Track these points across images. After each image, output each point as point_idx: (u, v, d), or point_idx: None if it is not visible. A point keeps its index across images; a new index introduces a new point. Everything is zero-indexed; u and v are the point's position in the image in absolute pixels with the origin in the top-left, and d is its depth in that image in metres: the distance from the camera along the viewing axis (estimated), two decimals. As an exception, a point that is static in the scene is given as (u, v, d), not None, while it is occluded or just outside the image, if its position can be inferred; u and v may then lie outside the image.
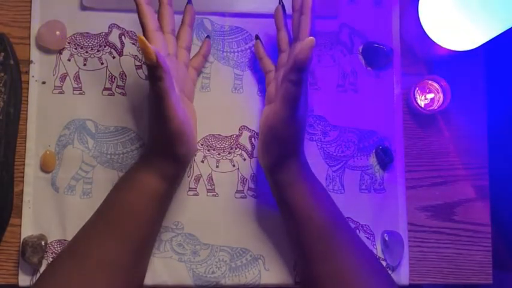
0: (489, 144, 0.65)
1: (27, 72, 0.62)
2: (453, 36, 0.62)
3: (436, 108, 0.63)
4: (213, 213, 0.61)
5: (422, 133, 0.65)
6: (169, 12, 0.58)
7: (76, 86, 0.62)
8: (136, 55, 0.63)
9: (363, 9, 0.65)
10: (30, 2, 0.63)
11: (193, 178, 0.62)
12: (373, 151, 0.64)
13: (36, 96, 0.62)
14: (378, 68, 0.65)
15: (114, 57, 0.63)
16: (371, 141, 0.64)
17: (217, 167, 0.62)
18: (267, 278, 0.61)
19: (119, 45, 0.63)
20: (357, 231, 0.62)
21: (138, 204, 0.54)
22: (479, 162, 0.65)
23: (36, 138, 0.61)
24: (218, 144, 0.62)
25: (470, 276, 0.64)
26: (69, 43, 0.62)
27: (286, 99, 0.51)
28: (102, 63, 0.63)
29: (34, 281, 0.59)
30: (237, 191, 0.62)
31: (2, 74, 0.60)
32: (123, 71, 0.63)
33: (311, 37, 0.46)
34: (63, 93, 0.62)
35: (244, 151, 0.63)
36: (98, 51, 0.63)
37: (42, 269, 0.59)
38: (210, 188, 0.62)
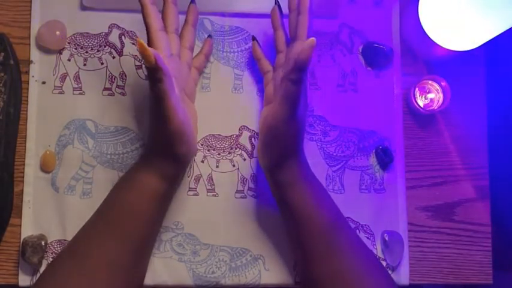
0: (489, 144, 0.65)
1: (27, 72, 0.62)
2: (453, 36, 0.62)
3: (436, 108, 0.63)
4: (213, 213, 0.61)
5: (422, 133, 0.65)
6: (174, 12, 0.58)
7: (76, 86, 0.62)
8: (136, 55, 0.63)
9: (363, 9, 0.65)
10: (30, 2, 0.63)
11: (193, 178, 0.62)
12: (373, 151, 0.64)
13: (36, 96, 0.62)
14: (378, 68, 0.65)
15: (114, 57, 0.63)
16: (371, 141, 0.64)
17: (217, 167, 0.62)
18: (267, 278, 0.61)
19: (118, 45, 0.63)
20: (357, 231, 0.62)
21: (138, 204, 0.54)
22: (479, 162, 0.65)
23: (36, 138, 0.61)
24: (218, 144, 0.62)
25: (470, 276, 0.64)
26: (69, 43, 0.62)
27: (286, 98, 0.51)
28: (102, 63, 0.63)
29: (34, 281, 0.59)
30: (237, 191, 0.62)
31: (2, 74, 0.60)
32: (123, 71, 0.63)
33: (312, 37, 0.46)
34: (63, 93, 0.62)
35: (244, 151, 0.63)
36: (98, 51, 0.63)
37: (42, 269, 0.59)
38: (210, 188, 0.62)
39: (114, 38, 0.63)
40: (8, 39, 0.62)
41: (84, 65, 0.63)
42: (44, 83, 0.62)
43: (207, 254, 0.61)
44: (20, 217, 0.60)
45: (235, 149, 0.63)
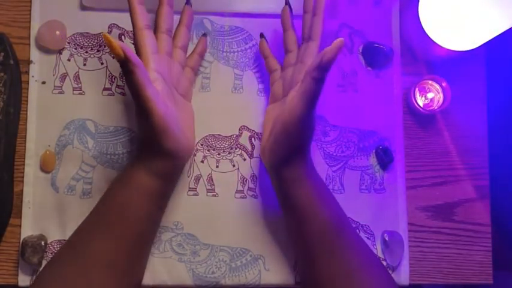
0: (489, 144, 0.65)
1: (27, 72, 0.62)
2: (453, 36, 0.62)
3: (436, 108, 0.63)
4: (213, 213, 0.61)
5: (422, 133, 0.65)
6: (167, 12, 0.58)
7: (76, 86, 0.62)
8: (136, 55, 0.63)
9: (363, 9, 0.65)
10: (30, 2, 0.63)
11: (193, 178, 0.62)
12: (373, 151, 0.64)
13: (36, 96, 0.62)
14: (378, 67, 0.65)
15: (114, 57, 0.63)
16: (371, 141, 0.64)
17: (217, 167, 0.62)
18: (267, 278, 0.61)
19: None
20: (357, 231, 0.62)
21: (131, 201, 0.54)
22: (479, 162, 0.65)
23: (36, 138, 0.61)
24: (218, 144, 0.62)
25: (470, 276, 0.64)
26: (69, 43, 0.62)
27: (307, 96, 0.51)
28: (102, 63, 0.63)
29: (34, 281, 0.59)
30: (237, 191, 0.62)
31: (2, 74, 0.60)
32: (123, 71, 0.63)
33: (341, 38, 0.47)
34: (63, 93, 0.62)
35: (244, 151, 0.63)
36: (98, 51, 0.63)
37: (42, 269, 0.59)
38: (210, 188, 0.62)
39: (114, 38, 0.63)
40: (8, 39, 0.62)
41: (84, 65, 0.63)
42: (43, 83, 0.62)
43: (207, 254, 0.61)
44: (20, 217, 0.60)
45: (235, 149, 0.63)
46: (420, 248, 0.63)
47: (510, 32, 0.57)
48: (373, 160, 0.64)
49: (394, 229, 0.63)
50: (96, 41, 0.63)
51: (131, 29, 0.63)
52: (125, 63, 0.49)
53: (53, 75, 0.62)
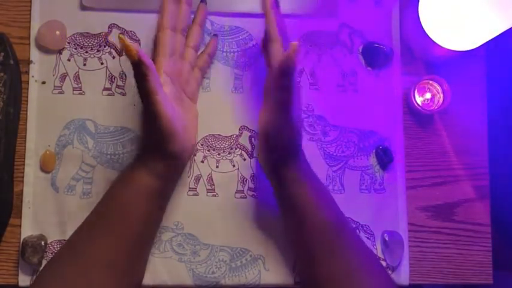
0: (489, 144, 0.65)
1: (27, 72, 0.62)
2: (453, 36, 0.62)
3: (435, 108, 0.63)
4: (213, 213, 0.61)
5: (422, 133, 0.65)
6: (186, 11, 0.59)
7: (76, 86, 0.62)
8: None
9: (363, 9, 0.65)
10: (30, 2, 0.63)
11: (193, 178, 0.62)
12: (373, 151, 0.64)
13: (36, 96, 0.62)
14: (378, 67, 0.65)
15: (114, 57, 0.63)
16: (371, 141, 0.64)
17: (217, 167, 0.62)
18: (267, 278, 0.61)
19: (118, 45, 0.63)
20: (357, 231, 0.62)
21: (131, 202, 0.54)
22: (479, 162, 0.65)
23: (36, 138, 0.61)
24: (218, 144, 0.62)
25: (470, 276, 0.64)
26: (69, 43, 0.62)
27: (280, 106, 0.51)
28: (102, 63, 0.63)
29: (34, 281, 0.59)
30: (237, 191, 0.62)
31: (2, 74, 0.60)
32: (122, 71, 0.63)
33: (295, 42, 0.46)
34: (63, 93, 0.62)
35: (244, 151, 0.63)
36: (98, 51, 0.63)
37: (42, 269, 0.59)
38: (210, 188, 0.62)
39: (114, 38, 0.63)
40: (8, 39, 0.62)
41: (84, 65, 0.63)
42: (43, 83, 0.62)
43: (207, 254, 0.61)
44: (20, 217, 0.60)
45: (235, 149, 0.63)
46: (420, 248, 0.63)
47: (510, 32, 0.57)
48: (373, 160, 0.64)
49: (394, 229, 0.63)
50: (96, 41, 0.63)
51: (131, 29, 0.63)
52: (138, 66, 0.49)
53: (53, 75, 0.62)
